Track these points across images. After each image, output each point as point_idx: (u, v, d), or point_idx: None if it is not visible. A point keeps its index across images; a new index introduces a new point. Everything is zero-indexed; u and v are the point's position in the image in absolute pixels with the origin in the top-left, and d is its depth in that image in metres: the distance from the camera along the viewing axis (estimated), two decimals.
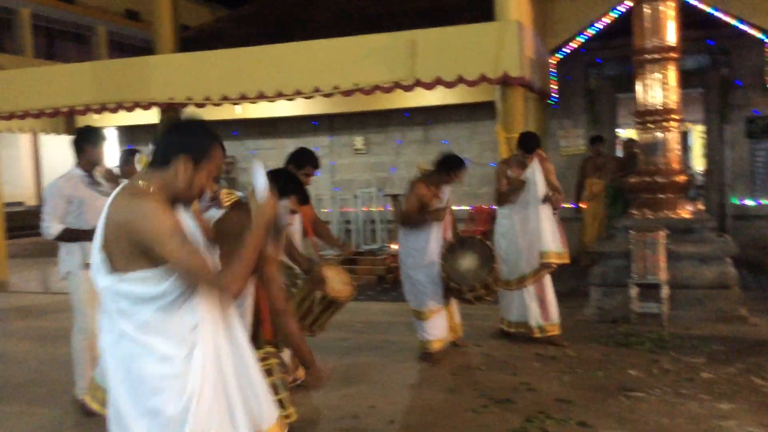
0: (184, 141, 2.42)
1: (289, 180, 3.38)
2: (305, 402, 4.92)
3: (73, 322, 4.97)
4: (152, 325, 2.32)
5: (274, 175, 3.25)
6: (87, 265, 4.63)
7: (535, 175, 6.07)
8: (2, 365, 6.26)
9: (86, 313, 4.80)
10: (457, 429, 4.33)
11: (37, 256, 14.70)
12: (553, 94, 10.55)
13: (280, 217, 3.19)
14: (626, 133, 14.01)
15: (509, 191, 6.15)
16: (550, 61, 10.30)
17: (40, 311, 8.69)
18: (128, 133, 13.33)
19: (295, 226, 4.94)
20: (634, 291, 6.75)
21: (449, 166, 5.76)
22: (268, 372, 3.10)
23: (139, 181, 2.38)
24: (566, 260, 6.24)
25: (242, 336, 2.59)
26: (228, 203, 3.68)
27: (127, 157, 5.67)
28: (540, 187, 6.06)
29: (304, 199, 3.42)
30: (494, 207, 6.56)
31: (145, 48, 25.40)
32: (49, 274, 12.15)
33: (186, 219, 2.47)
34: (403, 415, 4.64)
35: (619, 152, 10.98)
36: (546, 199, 6.04)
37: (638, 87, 7.36)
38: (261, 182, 2.57)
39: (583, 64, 10.89)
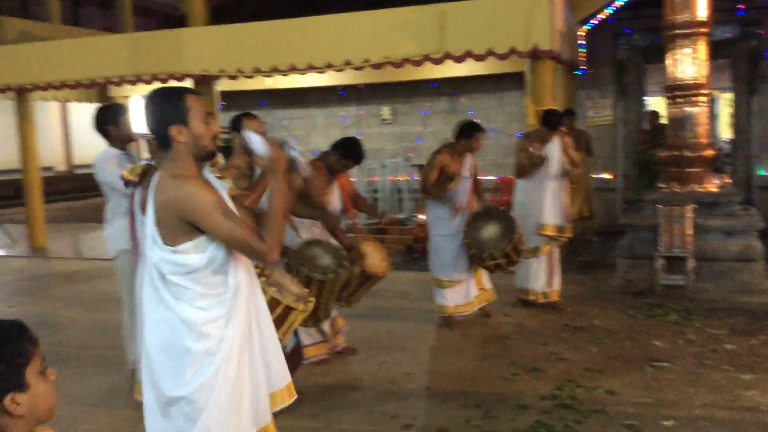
0: (165, 112, 2.53)
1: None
2: (344, 369, 5.18)
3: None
4: (203, 293, 2.52)
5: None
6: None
7: (554, 151, 6.34)
8: (52, 330, 6.55)
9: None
10: (489, 395, 4.55)
11: (70, 221, 15.12)
12: (581, 66, 10.58)
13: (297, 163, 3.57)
14: (653, 103, 13.99)
15: (529, 166, 6.35)
16: (579, 32, 10.31)
17: (81, 277, 9.02)
18: None
19: (335, 202, 5.14)
20: (660, 263, 6.89)
21: (467, 132, 5.93)
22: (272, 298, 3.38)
23: (170, 164, 2.56)
24: (568, 234, 6.58)
25: (262, 297, 2.80)
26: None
27: None
28: (557, 162, 6.35)
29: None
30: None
31: (171, 14, 25.48)
32: (83, 239, 12.51)
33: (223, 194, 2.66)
34: (437, 382, 4.88)
35: (645, 125, 11.03)
36: (564, 173, 6.33)
37: (668, 61, 7.41)
38: (257, 142, 2.66)
39: (611, 35, 10.88)
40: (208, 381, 2.52)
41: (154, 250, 2.54)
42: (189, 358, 2.51)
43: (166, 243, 2.50)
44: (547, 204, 6.37)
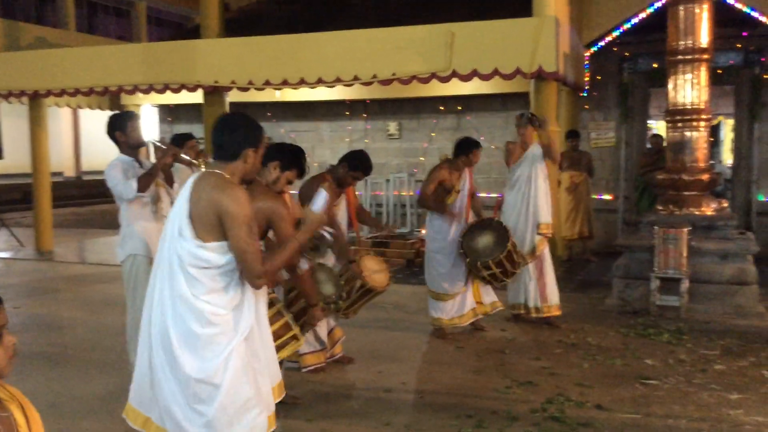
0: (248, 136, 2.89)
1: (293, 154, 3.97)
2: (341, 377, 5.30)
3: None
4: (213, 289, 2.80)
5: (279, 148, 3.94)
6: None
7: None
8: (56, 332, 6.72)
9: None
10: (482, 407, 4.66)
11: (76, 226, 15.31)
12: (586, 88, 10.75)
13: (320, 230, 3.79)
14: (657, 126, 14.14)
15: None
16: (585, 54, 10.48)
17: (86, 281, 9.17)
18: (169, 112, 13.74)
19: (342, 214, 5.29)
20: (655, 284, 7.00)
21: (464, 148, 6.13)
22: (279, 313, 3.79)
23: (219, 171, 2.85)
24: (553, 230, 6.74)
25: (264, 302, 3.12)
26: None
27: (184, 141, 5.98)
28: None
29: (301, 172, 3.98)
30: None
31: (183, 24, 25.81)
32: (89, 245, 12.68)
33: None
34: (432, 392, 4.99)
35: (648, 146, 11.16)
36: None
37: (670, 86, 7.56)
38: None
39: (616, 58, 11.05)
40: (221, 364, 2.79)
41: (180, 242, 2.79)
42: (198, 342, 2.79)
43: (196, 237, 2.76)
44: (541, 203, 6.45)
